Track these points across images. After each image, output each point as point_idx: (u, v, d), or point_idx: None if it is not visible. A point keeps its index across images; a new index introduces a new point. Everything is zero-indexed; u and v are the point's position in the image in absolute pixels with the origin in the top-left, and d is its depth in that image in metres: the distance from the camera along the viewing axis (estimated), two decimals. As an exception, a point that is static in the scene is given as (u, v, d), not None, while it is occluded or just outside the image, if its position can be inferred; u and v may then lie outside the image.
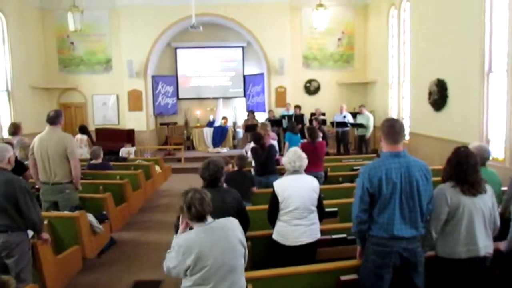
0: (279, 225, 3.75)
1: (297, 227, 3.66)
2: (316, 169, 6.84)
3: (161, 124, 14.12)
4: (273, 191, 3.73)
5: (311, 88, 13.98)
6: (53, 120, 5.29)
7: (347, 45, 13.79)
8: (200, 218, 2.62)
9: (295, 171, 3.73)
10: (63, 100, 13.54)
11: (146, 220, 7.07)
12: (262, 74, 14.18)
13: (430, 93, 9.32)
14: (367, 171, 2.98)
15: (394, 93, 11.84)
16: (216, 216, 2.75)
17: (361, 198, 2.99)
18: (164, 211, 7.63)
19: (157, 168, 8.80)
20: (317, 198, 3.73)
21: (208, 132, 13.96)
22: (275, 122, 12.10)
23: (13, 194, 3.53)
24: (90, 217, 4.93)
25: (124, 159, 8.96)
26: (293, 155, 3.74)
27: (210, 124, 14.36)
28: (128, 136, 12.66)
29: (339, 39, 13.73)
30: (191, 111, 14.61)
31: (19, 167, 5.54)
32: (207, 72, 14.58)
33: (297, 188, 3.65)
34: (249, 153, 11.58)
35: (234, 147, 14.12)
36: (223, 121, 14.25)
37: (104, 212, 5.47)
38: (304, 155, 3.79)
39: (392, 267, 2.98)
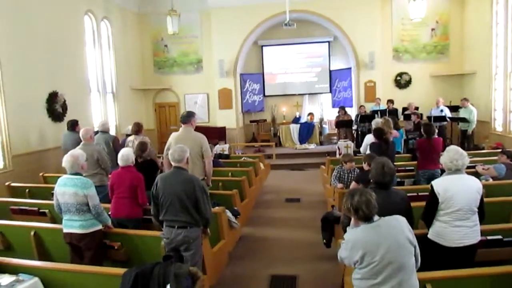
0: (437, 225, 3.65)
1: (459, 228, 3.54)
2: (434, 166, 6.61)
3: (251, 121, 14.42)
4: (432, 190, 3.63)
5: (402, 82, 13.50)
6: (185, 119, 5.57)
7: (442, 35, 13.11)
8: (367, 219, 2.72)
9: (457, 170, 3.60)
10: (158, 100, 14.31)
11: (261, 216, 7.28)
12: (349, 68, 13.94)
13: (549, 84, 8.59)
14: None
15: (499, 84, 11.05)
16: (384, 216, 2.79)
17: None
18: (274, 207, 7.82)
19: (261, 165, 9.01)
20: (479, 199, 3.59)
21: (294, 128, 14.04)
22: (366, 118, 11.84)
23: (192, 192, 3.78)
24: (228, 212, 5.16)
25: (227, 156, 9.26)
26: (455, 153, 3.61)
27: (296, 120, 14.43)
28: (220, 134, 13.09)
29: (433, 29, 13.10)
30: (278, 108, 14.77)
31: (153, 167, 5.94)
32: (293, 68, 14.64)
33: (460, 189, 3.52)
34: (342, 150, 11.54)
35: (321, 143, 14.08)
36: (309, 117, 14.22)
37: (236, 208, 5.71)
38: (465, 152, 3.65)
39: None
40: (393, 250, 2.61)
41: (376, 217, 2.74)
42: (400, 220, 2.76)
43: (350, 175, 6.16)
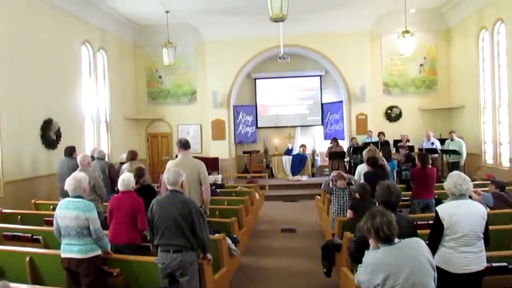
0: (443, 251, 3.63)
1: (465, 254, 3.52)
2: (428, 196, 6.65)
3: (244, 152, 14.46)
4: (437, 216, 3.63)
5: (392, 115, 13.77)
6: (186, 145, 5.56)
7: (430, 70, 13.54)
8: (388, 241, 2.68)
9: (461, 195, 3.62)
10: (150, 130, 14.30)
11: (258, 245, 7.18)
12: (340, 102, 14.21)
13: (536, 117, 8.84)
14: None
15: (487, 118, 11.34)
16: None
17: None
18: (270, 237, 7.72)
19: (256, 194, 8.97)
20: (485, 224, 3.60)
21: (287, 160, 14.09)
22: (358, 149, 11.97)
23: (188, 215, 3.70)
24: (228, 240, 5.08)
25: (221, 186, 9.21)
26: (458, 178, 3.64)
27: (288, 152, 14.50)
28: (213, 164, 13.03)
29: (421, 65, 13.52)
30: (270, 140, 14.86)
31: (151, 192, 5.86)
32: (285, 101, 14.88)
33: (465, 214, 3.52)
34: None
35: (313, 175, 14.10)
36: (301, 149, 14.31)
37: (235, 236, 5.62)
38: (468, 177, 3.69)
39: None
40: (416, 271, 2.58)
41: (396, 239, 2.71)
42: (419, 242, 2.75)
43: (344, 194, 6.26)
